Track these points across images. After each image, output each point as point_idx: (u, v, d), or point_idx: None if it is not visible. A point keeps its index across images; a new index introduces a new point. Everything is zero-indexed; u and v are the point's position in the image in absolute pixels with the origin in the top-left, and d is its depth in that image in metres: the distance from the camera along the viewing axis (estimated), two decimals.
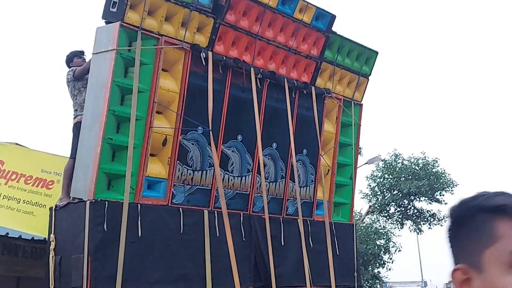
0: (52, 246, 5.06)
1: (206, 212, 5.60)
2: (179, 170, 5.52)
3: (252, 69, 6.08)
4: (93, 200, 4.85)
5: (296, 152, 6.52)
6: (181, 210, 5.43)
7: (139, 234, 5.01)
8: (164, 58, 5.40)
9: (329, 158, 7.13)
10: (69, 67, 5.85)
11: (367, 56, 7.37)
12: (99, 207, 4.84)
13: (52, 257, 5.01)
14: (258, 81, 6.14)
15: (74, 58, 5.83)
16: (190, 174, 5.62)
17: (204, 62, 5.63)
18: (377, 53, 7.43)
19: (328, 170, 7.13)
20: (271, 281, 5.84)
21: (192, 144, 5.64)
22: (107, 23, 5.25)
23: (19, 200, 6.66)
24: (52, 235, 5.13)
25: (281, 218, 6.40)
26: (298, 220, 6.45)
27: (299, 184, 6.60)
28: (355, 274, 7.02)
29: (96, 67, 5.23)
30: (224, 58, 5.84)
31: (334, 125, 7.21)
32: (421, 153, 23.20)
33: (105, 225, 4.82)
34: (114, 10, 5.14)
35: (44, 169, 6.84)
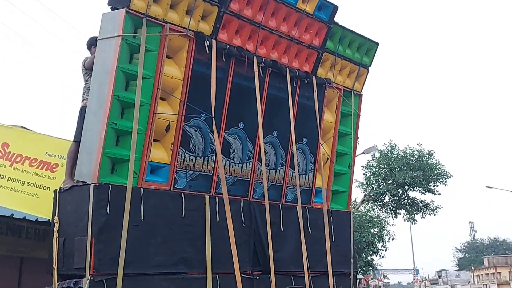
0: (56, 228, 5.05)
1: (207, 197, 5.60)
2: (181, 156, 5.51)
3: (255, 57, 6.06)
4: (97, 184, 4.85)
5: (296, 141, 6.52)
6: (183, 195, 5.43)
7: (142, 218, 5.02)
8: (169, 45, 5.37)
9: (328, 147, 7.13)
10: (90, 50, 5.81)
11: (368, 47, 7.34)
12: (103, 191, 4.84)
13: (56, 238, 5.00)
14: (260, 69, 6.12)
15: (92, 46, 5.72)
16: (192, 160, 5.62)
17: (208, 50, 5.60)
18: (377, 44, 7.39)
19: (327, 158, 7.14)
20: (270, 266, 5.86)
21: (195, 130, 5.63)
22: (112, 9, 5.21)
23: (23, 182, 6.66)
24: (56, 217, 5.13)
25: (280, 205, 6.42)
26: (297, 207, 6.46)
27: (298, 172, 6.61)
28: (351, 260, 7.05)
29: (102, 52, 5.19)
30: (228, 46, 5.81)
31: (334, 114, 7.20)
32: (417, 144, 23.29)
33: (108, 208, 4.82)
34: None
35: (48, 152, 6.83)
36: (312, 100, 6.72)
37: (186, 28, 5.46)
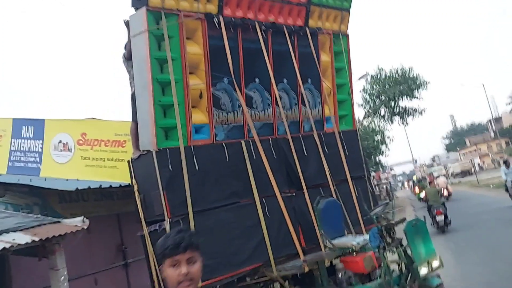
0: (135, 188, 5.06)
1: (243, 142, 5.49)
2: (216, 115, 5.38)
3: (256, 23, 5.72)
4: (157, 150, 4.79)
5: (303, 82, 6.26)
6: (224, 145, 5.34)
7: (197, 168, 4.99)
8: (186, 29, 5.10)
9: (329, 81, 6.84)
10: (125, 48, 5.57)
11: None
12: (163, 154, 4.79)
13: (138, 196, 5.03)
14: (262, 32, 5.80)
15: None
16: (225, 116, 5.48)
17: (217, 26, 5.31)
18: None
19: (330, 91, 6.87)
20: (301, 183, 5.81)
21: (222, 92, 5.45)
22: (136, 9, 4.95)
23: (104, 159, 6.71)
24: (133, 180, 5.13)
25: (300, 136, 6.26)
26: (314, 134, 6.31)
27: (309, 106, 6.39)
28: (364, 165, 6.94)
29: (136, 46, 4.98)
30: (233, 19, 5.49)
31: (329, 55, 6.83)
32: (400, 63, 22.53)
33: (170, 166, 4.79)
34: None
35: (117, 133, 6.82)
36: (309, 48, 6.38)
37: (196, 12, 5.16)
